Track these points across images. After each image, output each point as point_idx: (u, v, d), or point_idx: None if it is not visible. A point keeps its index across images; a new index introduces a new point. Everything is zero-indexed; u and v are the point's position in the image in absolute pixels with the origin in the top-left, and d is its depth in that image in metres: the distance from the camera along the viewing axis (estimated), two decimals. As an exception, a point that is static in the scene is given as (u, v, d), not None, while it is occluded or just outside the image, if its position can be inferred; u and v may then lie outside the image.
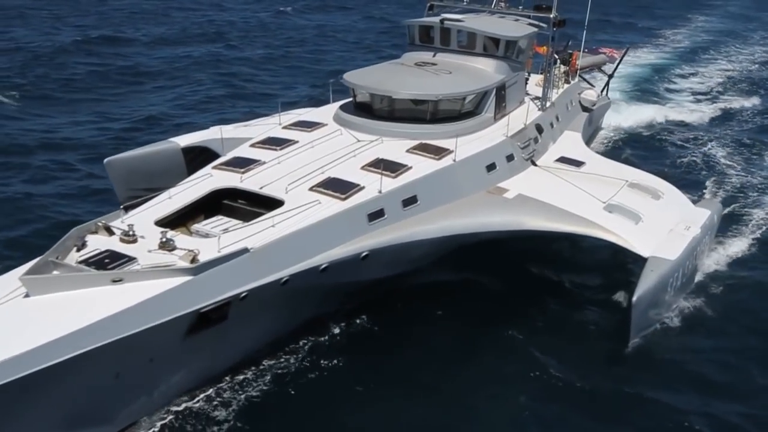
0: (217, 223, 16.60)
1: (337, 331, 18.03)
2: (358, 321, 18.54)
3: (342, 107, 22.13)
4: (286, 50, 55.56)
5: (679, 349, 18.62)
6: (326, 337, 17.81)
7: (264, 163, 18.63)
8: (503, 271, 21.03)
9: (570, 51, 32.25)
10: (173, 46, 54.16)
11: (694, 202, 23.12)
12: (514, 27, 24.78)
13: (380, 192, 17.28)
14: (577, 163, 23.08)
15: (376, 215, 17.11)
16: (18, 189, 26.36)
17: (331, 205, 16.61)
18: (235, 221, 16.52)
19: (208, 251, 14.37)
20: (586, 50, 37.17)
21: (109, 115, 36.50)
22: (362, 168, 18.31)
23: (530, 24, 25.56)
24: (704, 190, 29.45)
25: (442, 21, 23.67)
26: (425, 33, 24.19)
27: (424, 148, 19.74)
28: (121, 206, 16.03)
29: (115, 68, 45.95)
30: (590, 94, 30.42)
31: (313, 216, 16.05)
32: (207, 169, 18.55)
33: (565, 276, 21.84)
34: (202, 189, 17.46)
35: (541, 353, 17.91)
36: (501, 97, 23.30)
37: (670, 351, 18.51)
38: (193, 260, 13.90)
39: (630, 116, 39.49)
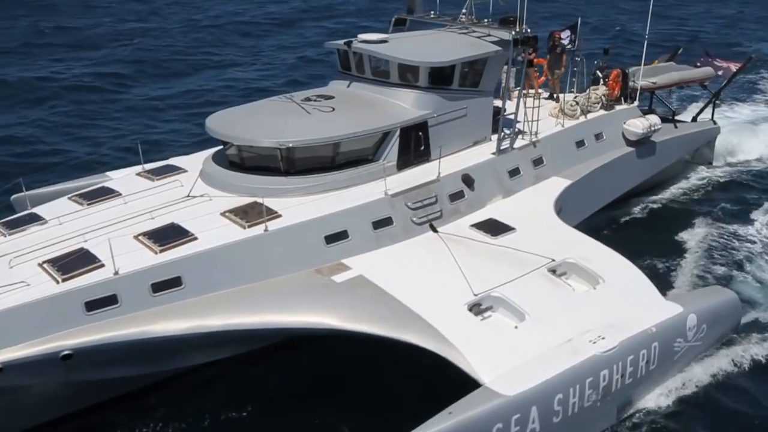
0: None
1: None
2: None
3: (215, 154, 18.69)
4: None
5: None
6: None
7: (45, 222, 16.01)
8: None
9: (607, 66, 25.14)
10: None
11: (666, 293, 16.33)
12: (458, 48, 19.37)
13: (116, 273, 13.84)
14: (501, 230, 17.37)
15: (102, 303, 13.63)
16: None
17: (38, 289, 13.52)
18: None
19: None
20: (689, 61, 29.38)
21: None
22: (135, 237, 14.95)
23: (497, 42, 19.86)
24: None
25: (347, 44, 19.16)
26: (345, 59, 19.82)
27: (244, 211, 15.75)
28: None
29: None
30: (634, 125, 23.45)
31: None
32: None
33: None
34: None
35: None
36: (416, 140, 18.30)
37: None
38: None
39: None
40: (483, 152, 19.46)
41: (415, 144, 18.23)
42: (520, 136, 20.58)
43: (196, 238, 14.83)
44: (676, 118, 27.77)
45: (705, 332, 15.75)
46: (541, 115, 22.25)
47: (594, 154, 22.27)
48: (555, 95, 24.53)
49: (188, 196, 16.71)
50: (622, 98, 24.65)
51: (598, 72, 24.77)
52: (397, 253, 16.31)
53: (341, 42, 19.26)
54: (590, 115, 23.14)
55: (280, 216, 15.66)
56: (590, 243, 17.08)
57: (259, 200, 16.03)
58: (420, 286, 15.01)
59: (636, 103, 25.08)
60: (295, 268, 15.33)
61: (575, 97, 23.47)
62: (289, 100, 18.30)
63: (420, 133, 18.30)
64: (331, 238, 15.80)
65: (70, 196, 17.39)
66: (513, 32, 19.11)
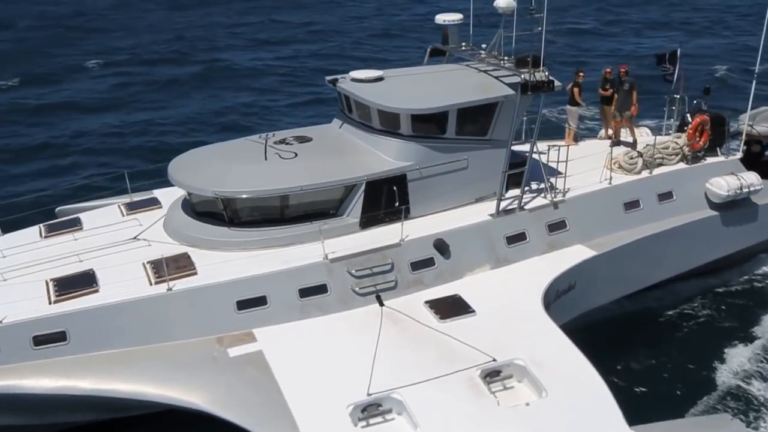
0: None
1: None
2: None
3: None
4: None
5: None
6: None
7: None
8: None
9: (706, 110, 20.42)
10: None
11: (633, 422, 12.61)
12: (457, 91, 16.74)
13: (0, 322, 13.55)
14: (456, 312, 14.72)
15: None
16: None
17: None
18: None
19: None
20: None
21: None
22: (47, 281, 14.58)
23: (510, 84, 16.91)
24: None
25: (332, 83, 17.33)
26: (339, 97, 18.03)
27: (166, 264, 14.73)
28: None
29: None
30: (718, 184, 19.13)
31: None
32: None
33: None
34: None
35: None
36: (389, 195, 16.17)
37: None
38: None
39: None
40: (479, 212, 16.80)
41: (387, 199, 16.12)
42: (541, 194, 17.55)
43: (97, 291, 14.16)
44: None
45: None
46: (594, 165, 19.05)
47: (651, 219, 18.45)
48: (633, 140, 20.81)
49: (134, 238, 16.14)
50: (718, 149, 20.30)
51: (687, 116, 20.56)
52: (318, 327, 14.44)
53: (328, 79, 17.57)
54: (660, 170, 19.23)
55: (194, 274, 14.53)
56: (557, 341, 13.92)
57: (192, 251, 15.23)
58: (316, 374, 13.11)
59: (739, 154, 20.53)
60: (195, 333, 14.07)
61: (645, 147, 19.66)
62: (262, 141, 16.97)
63: (395, 188, 16.15)
64: (244, 304, 14.33)
65: (43, 224, 17.55)
66: (521, 76, 16.21)
